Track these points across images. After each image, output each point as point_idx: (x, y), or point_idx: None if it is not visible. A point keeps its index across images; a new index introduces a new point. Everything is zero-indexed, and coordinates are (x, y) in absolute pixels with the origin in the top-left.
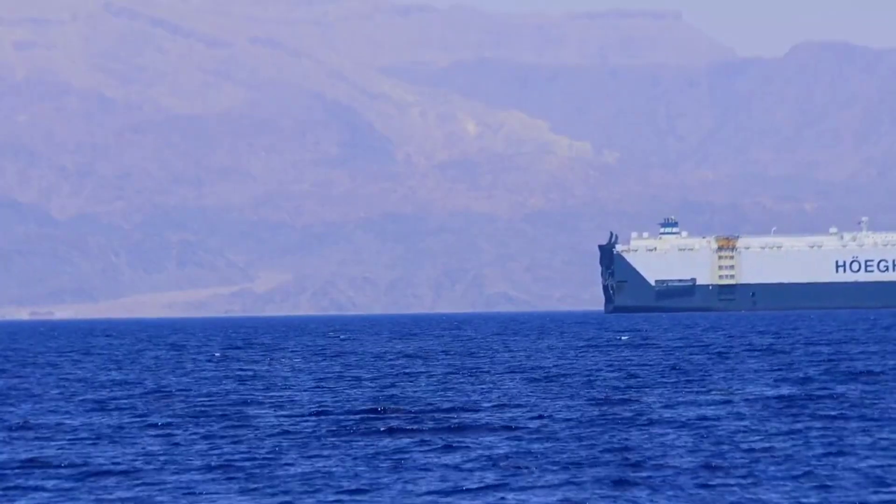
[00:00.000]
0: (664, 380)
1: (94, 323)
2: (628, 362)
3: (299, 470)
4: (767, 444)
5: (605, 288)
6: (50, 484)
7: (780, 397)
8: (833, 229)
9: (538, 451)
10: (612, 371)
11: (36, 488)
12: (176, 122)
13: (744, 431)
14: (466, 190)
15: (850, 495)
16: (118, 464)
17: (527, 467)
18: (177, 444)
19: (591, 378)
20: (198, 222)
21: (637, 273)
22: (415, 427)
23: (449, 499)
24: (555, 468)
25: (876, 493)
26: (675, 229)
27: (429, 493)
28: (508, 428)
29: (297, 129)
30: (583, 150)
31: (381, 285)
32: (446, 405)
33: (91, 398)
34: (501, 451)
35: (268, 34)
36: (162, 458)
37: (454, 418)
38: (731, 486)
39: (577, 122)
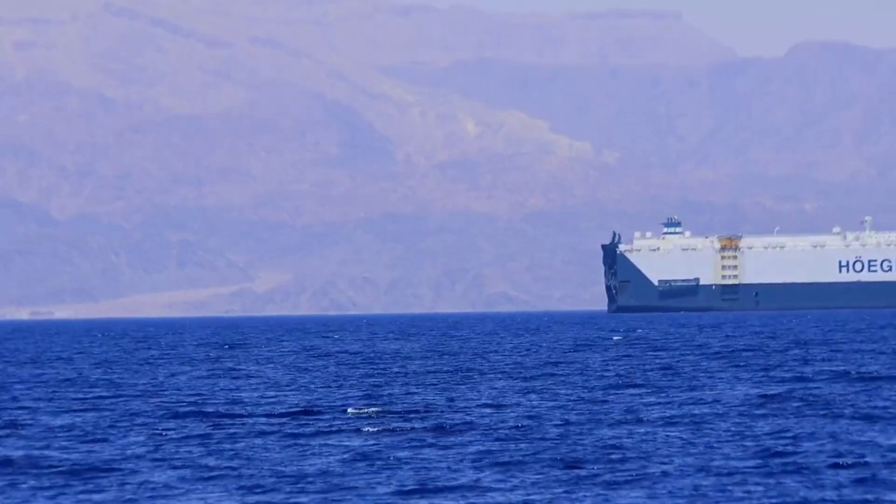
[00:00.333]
0: (650, 380)
1: (92, 323)
2: (617, 363)
3: (268, 468)
4: (750, 444)
5: (608, 288)
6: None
7: (762, 397)
8: (836, 229)
9: (516, 451)
10: (600, 370)
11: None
12: (176, 122)
13: (727, 431)
14: (466, 190)
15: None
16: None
17: (506, 465)
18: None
19: (577, 378)
20: (198, 222)
21: (640, 273)
22: (390, 426)
23: (427, 499)
24: (535, 467)
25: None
26: (678, 229)
27: (404, 492)
28: (488, 427)
29: (297, 129)
30: (583, 150)
31: (381, 285)
32: (425, 405)
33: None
34: (481, 450)
35: (268, 34)
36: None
37: (435, 417)
38: (720, 485)
39: (577, 122)
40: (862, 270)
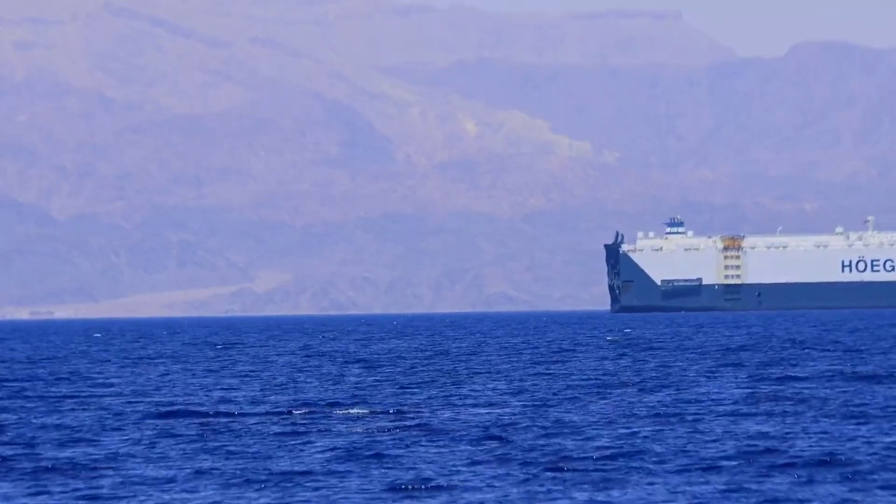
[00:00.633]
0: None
1: (92, 323)
2: (610, 362)
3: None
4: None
5: (611, 288)
6: None
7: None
8: (839, 229)
9: (504, 450)
10: (591, 370)
11: None
12: (176, 122)
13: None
14: (466, 190)
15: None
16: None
17: (494, 464)
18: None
19: (570, 377)
20: (198, 222)
21: (643, 273)
22: (377, 426)
23: (415, 498)
24: (524, 467)
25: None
26: (680, 229)
27: (394, 490)
28: (476, 426)
29: (297, 129)
30: (583, 150)
31: (381, 285)
32: (413, 404)
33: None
34: (470, 449)
35: (268, 34)
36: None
37: (424, 417)
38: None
39: (577, 122)
40: (865, 270)
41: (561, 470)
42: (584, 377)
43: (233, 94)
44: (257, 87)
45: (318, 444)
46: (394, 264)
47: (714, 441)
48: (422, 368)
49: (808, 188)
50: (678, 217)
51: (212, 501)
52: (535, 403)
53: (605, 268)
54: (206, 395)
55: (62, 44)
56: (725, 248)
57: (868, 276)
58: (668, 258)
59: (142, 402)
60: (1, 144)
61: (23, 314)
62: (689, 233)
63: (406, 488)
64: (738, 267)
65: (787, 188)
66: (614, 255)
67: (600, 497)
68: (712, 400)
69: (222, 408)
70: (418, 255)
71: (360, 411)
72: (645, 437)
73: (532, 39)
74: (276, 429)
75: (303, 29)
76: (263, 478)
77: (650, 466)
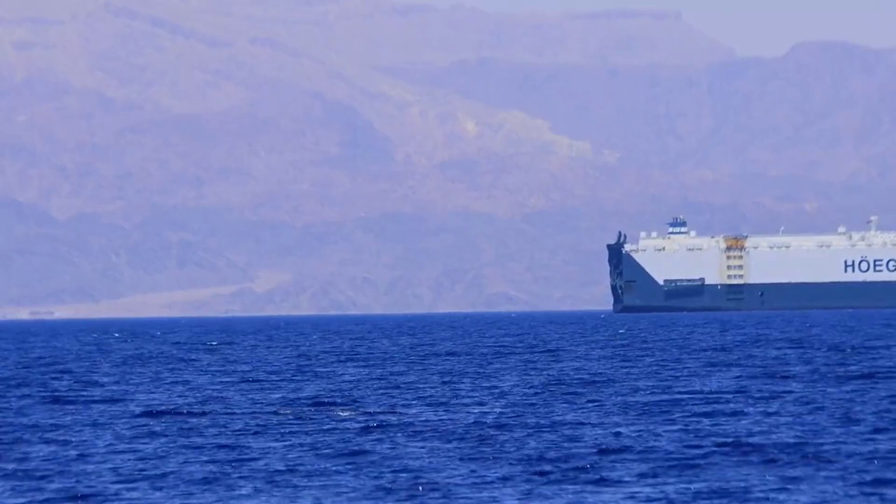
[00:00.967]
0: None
1: (91, 323)
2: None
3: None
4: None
5: (614, 288)
6: None
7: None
8: (841, 229)
9: (485, 450)
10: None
11: None
12: (176, 122)
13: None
14: (466, 190)
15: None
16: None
17: (475, 463)
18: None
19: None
20: (198, 222)
21: (646, 273)
22: (358, 425)
23: (399, 499)
24: (506, 467)
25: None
26: (683, 229)
27: (380, 489)
28: (455, 425)
29: (297, 129)
30: (583, 150)
31: (381, 285)
32: (393, 404)
33: None
34: (452, 448)
35: (268, 34)
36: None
37: (406, 416)
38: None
39: (577, 122)
40: (868, 270)
41: (547, 470)
42: (577, 376)
43: (233, 94)
44: (257, 87)
45: (306, 443)
46: (394, 264)
47: (703, 438)
48: (415, 368)
49: (808, 188)
50: (681, 217)
51: (199, 502)
52: (526, 402)
53: (605, 268)
54: (195, 395)
55: (62, 44)
56: (728, 248)
57: (871, 277)
58: (670, 258)
59: (127, 401)
60: (1, 144)
61: (23, 314)
62: (692, 233)
63: (395, 489)
64: (740, 267)
65: (787, 188)
66: (617, 255)
67: (589, 498)
68: (703, 397)
69: (209, 407)
70: (418, 255)
71: (350, 411)
72: (633, 435)
73: (532, 39)
74: (262, 427)
75: (303, 29)
76: (249, 477)
77: (639, 465)
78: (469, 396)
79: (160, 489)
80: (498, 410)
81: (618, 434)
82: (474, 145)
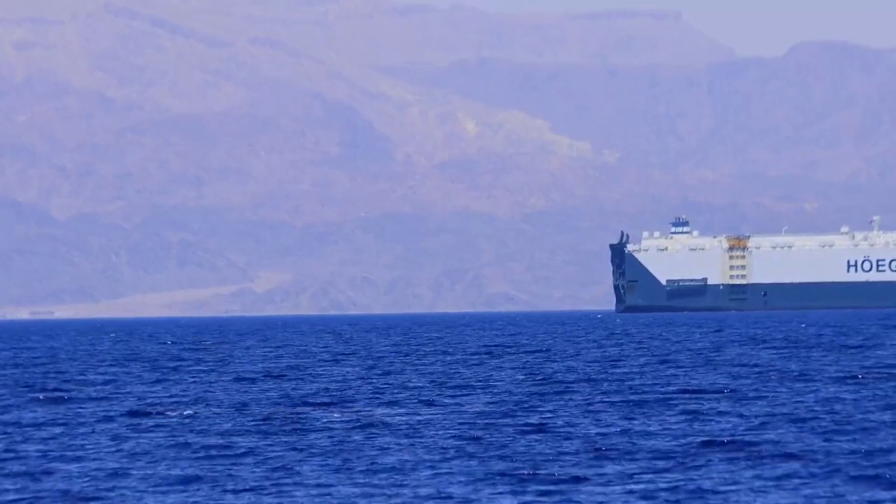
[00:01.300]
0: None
1: (90, 322)
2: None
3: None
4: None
5: (616, 287)
6: None
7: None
8: (844, 229)
9: (464, 451)
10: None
11: None
12: (176, 122)
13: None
14: (466, 190)
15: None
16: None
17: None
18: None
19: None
20: (198, 222)
21: (648, 273)
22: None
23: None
24: (482, 468)
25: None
26: (685, 229)
27: (361, 487)
28: (427, 426)
29: (297, 129)
30: (583, 150)
31: (381, 285)
32: (370, 403)
33: None
34: (432, 449)
35: (268, 34)
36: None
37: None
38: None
39: (577, 122)
40: (870, 270)
41: (534, 469)
42: (567, 375)
43: (233, 94)
44: (257, 87)
45: (292, 442)
46: (394, 264)
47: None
48: (407, 369)
49: (808, 188)
50: (683, 217)
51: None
52: (515, 401)
53: (605, 268)
54: (182, 395)
55: (62, 44)
56: (731, 248)
57: (874, 276)
58: (673, 258)
59: (116, 400)
60: (1, 144)
61: (23, 314)
62: (695, 233)
63: (380, 489)
64: (743, 267)
65: (787, 188)
66: (619, 254)
67: (575, 496)
68: (690, 396)
69: (194, 408)
70: (418, 255)
71: (334, 411)
72: (620, 434)
73: (532, 39)
74: (249, 427)
75: (303, 29)
76: (235, 477)
77: (626, 464)
78: (459, 395)
79: (145, 489)
80: (486, 409)
81: (605, 434)
82: (474, 145)
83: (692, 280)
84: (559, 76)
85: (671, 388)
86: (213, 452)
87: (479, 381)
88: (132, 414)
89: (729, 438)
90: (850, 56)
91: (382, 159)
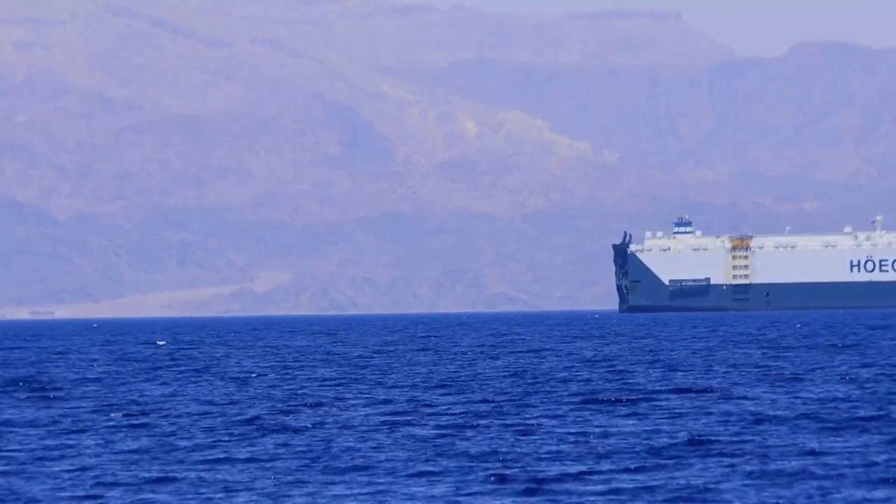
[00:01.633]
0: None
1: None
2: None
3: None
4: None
5: (619, 287)
6: None
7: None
8: (847, 229)
9: (446, 452)
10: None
11: None
12: (176, 122)
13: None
14: (466, 190)
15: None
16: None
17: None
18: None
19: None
20: (198, 222)
21: (651, 273)
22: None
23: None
24: (460, 469)
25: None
26: (688, 229)
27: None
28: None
29: (297, 129)
30: (583, 150)
31: (381, 285)
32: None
33: None
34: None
35: (268, 34)
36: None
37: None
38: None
39: (577, 122)
40: (873, 270)
41: (509, 469)
42: (555, 377)
43: (233, 94)
44: (257, 87)
45: (273, 443)
46: (394, 264)
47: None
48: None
49: (808, 188)
50: (686, 217)
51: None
52: (501, 400)
53: (605, 268)
54: (152, 394)
55: (62, 44)
56: (734, 248)
57: (877, 276)
58: (676, 258)
59: (93, 401)
60: (1, 144)
61: (23, 314)
62: (698, 233)
63: (360, 491)
64: (746, 267)
65: (787, 188)
66: (622, 254)
67: (546, 497)
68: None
69: (167, 406)
70: (418, 255)
71: (317, 411)
72: (599, 433)
73: (532, 39)
74: (230, 428)
75: (303, 29)
76: (216, 479)
77: (605, 462)
78: (443, 396)
79: (116, 492)
80: (469, 409)
81: (584, 432)
82: (474, 145)
83: (695, 280)
84: (559, 76)
85: (659, 388)
86: (196, 455)
87: (470, 379)
88: (108, 413)
89: (713, 437)
90: (850, 56)
91: (382, 159)
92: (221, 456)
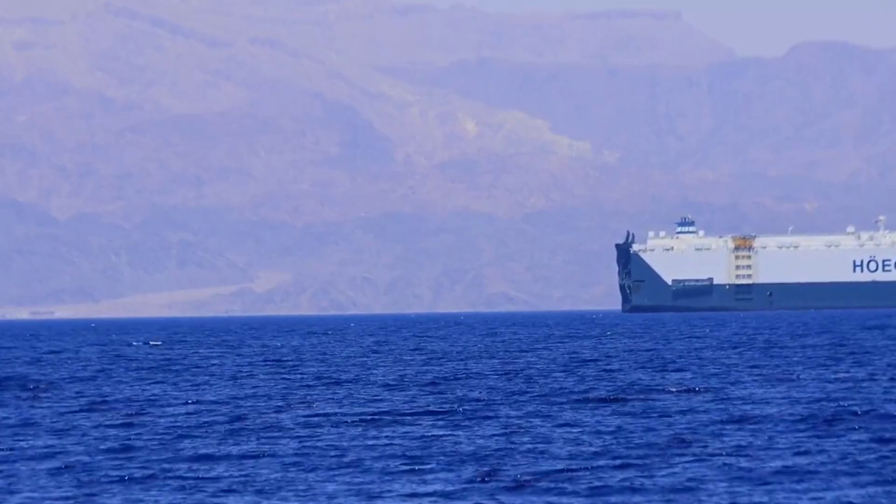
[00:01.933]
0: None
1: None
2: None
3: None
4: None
5: (622, 287)
6: None
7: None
8: (850, 228)
9: (431, 452)
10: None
11: None
12: (176, 122)
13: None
14: (466, 190)
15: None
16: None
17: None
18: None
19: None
20: (198, 222)
21: (654, 272)
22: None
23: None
24: (447, 470)
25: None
26: (691, 228)
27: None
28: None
29: (297, 129)
30: (583, 150)
31: (381, 285)
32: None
33: None
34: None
35: (268, 34)
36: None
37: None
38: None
39: (577, 122)
40: (876, 270)
41: (493, 469)
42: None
43: (233, 94)
44: (257, 87)
45: (254, 446)
46: (394, 264)
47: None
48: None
49: (808, 188)
50: (689, 217)
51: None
52: (488, 399)
53: (605, 268)
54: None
55: (62, 44)
56: (736, 248)
57: (880, 276)
58: (678, 258)
59: (78, 400)
60: (1, 144)
61: (23, 314)
62: (700, 232)
63: (348, 489)
64: (749, 267)
65: (787, 188)
66: (625, 254)
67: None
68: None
69: (157, 405)
70: (418, 255)
71: (306, 410)
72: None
73: (532, 39)
74: (212, 428)
75: (303, 29)
76: (200, 479)
77: (592, 461)
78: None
79: (105, 492)
80: (459, 408)
81: (574, 431)
82: (474, 145)
83: (698, 280)
84: (559, 76)
85: (639, 387)
86: (185, 454)
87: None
88: (90, 412)
89: (701, 436)
90: (850, 56)
91: (382, 159)
92: (211, 454)
